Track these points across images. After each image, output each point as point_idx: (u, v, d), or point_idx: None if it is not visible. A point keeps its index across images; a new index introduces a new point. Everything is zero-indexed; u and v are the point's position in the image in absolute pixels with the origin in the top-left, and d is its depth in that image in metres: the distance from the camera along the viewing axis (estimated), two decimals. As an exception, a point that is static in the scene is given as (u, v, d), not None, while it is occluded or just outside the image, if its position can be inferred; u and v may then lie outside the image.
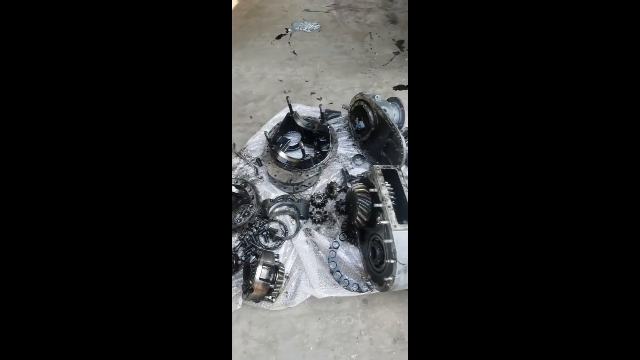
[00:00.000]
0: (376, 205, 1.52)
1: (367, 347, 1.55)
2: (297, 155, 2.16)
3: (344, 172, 2.20)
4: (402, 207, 1.51)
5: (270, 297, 1.60)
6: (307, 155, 2.04)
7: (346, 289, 1.69)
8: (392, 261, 1.36)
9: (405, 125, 2.32)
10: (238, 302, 1.66)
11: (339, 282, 1.71)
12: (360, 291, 1.69)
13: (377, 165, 1.66)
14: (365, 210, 1.59)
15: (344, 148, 2.37)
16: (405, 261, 1.36)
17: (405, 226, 1.41)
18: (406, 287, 1.44)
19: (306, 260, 1.80)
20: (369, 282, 1.68)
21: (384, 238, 1.43)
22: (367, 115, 2.14)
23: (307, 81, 2.94)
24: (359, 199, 1.61)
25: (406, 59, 3.13)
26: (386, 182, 1.58)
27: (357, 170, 2.22)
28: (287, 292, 1.71)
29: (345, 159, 2.31)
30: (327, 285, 1.70)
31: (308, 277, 1.74)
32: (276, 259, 1.67)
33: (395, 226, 1.40)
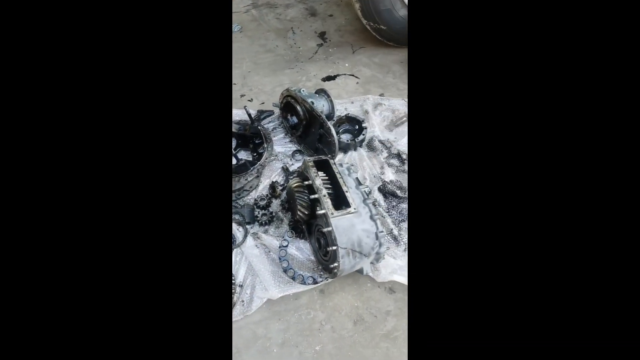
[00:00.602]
0: (312, 196, 1.54)
1: (330, 336, 1.58)
2: (232, 161, 2.11)
3: (285, 170, 2.20)
4: (338, 194, 1.55)
5: (224, 310, 1.56)
6: (241, 160, 2.01)
7: (302, 283, 1.70)
8: (334, 247, 1.39)
9: (337, 113, 2.38)
10: (192, 323, 1.59)
11: (293, 278, 1.71)
12: (316, 282, 1.70)
13: (309, 158, 1.67)
14: (304, 204, 1.60)
15: (282, 146, 2.36)
16: (347, 245, 1.40)
17: (342, 211, 1.44)
18: (353, 269, 1.48)
19: (258, 264, 1.77)
20: (322, 273, 1.71)
21: (325, 227, 1.45)
22: (297, 110, 2.14)
23: (235, 84, 2.87)
24: (297, 194, 1.62)
25: (330, 50, 3.18)
26: (319, 173, 1.60)
27: (298, 165, 2.23)
28: (243, 301, 1.67)
29: (284, 157, 2.30)
30: (281, 285, 1.70)
31: (262, 281, 1.72)
32: (225, 270, 1.62)
33: (332, 214, 1.43)
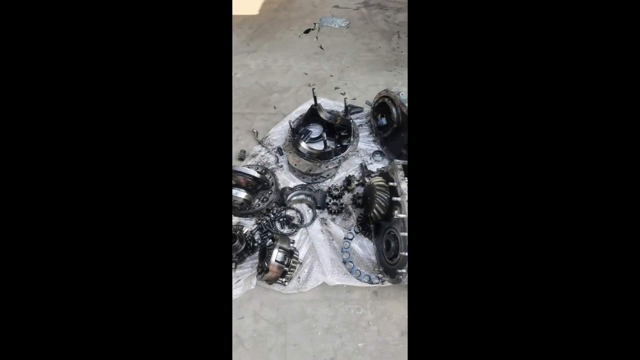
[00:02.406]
0: (394, 198, 1.54)
1: (374, 338, 1.58)
2: (318, 146, 2.20)
3: (363, 167, 2.22)
4: (420, 202, 1.53)
5: (283, 280, 1.65)
6: (328, 147, 2.08)
7: (358, 279, 1.72)
8: (406, 254, 1.38)
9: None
10: (252, 282, 1.72)
11: (350, 272, 1.74)
12: (371, 283, 1.71)
13: (398, 160, 1.67)
14: (382, 204, 1.61)
15: (365, 143, 2.39)
16: (420, 255, 1.38)
17: (422, 221, 1.42)
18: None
19: (320, 248, 1.84)
20: (380, 275, 1.71)
21: (400, 231, 1.45)
22: (391, 112, 2.15)
23: (332, 76, 2.97)
24: (377, 192, 1.63)
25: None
26: (406, 178, 1.59)
27: (376, 165, 2.24)
28: (299, 277, 1.75)
29: (365, 154, 2.33)
30: (339, 274, 1.74)
31: (321, 265, 1.78)
32: (292, 244, 1.71)
33: (412, 220, 1.42)
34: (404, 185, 1.54)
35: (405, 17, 3.71)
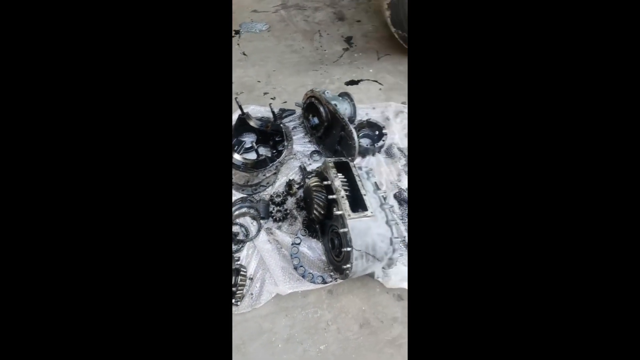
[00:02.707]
0: (330, 197, 1.55)
1: (335, 337, 1.59)
2: (252, 156, 2.15)
3: (302, 169, 2.22)
4: (356, 196, 1.56)
5: (234, 301, 1.58)
6: (262, 155, 2.04)
7: (311, 282, 1.71)
8: (349, 249, 1.40)
9: (358, 118, 2.39)
10: (201, 310, 1.62)
11: (303, 276, 1.73)
12: (325, 282, 1.71)
13: (330, 159, 1.69)
14: (321, 203, 1.62)
15: (301, 145, 2.39)
16: (361, 247, 1.41)
17: (359, 214, 1.45)
18: (365, 273, 1.49)
19: (269, 259, 1.80)
20: (331, 273, 1.72)
21: (340, 228, 1.46)
22: (319, 111, 2.17)
23: (259, 82, 2.92)
24: (315, 193, 1.63)
25: (355, 55, 3.21)
26: (339, 174, 1.61)
27: (315, 166, 2.25)
28: (252, 294, 1.70)
29: (302, 156, 2.33)
30: (291, 281, 1.71)
31: (272, 276, 1.74)
32: (237, 262, 1.65)
33: (349, 215, 1.44)
34: (337, 182, 1.56)
35: (324, 15, 3.78)
